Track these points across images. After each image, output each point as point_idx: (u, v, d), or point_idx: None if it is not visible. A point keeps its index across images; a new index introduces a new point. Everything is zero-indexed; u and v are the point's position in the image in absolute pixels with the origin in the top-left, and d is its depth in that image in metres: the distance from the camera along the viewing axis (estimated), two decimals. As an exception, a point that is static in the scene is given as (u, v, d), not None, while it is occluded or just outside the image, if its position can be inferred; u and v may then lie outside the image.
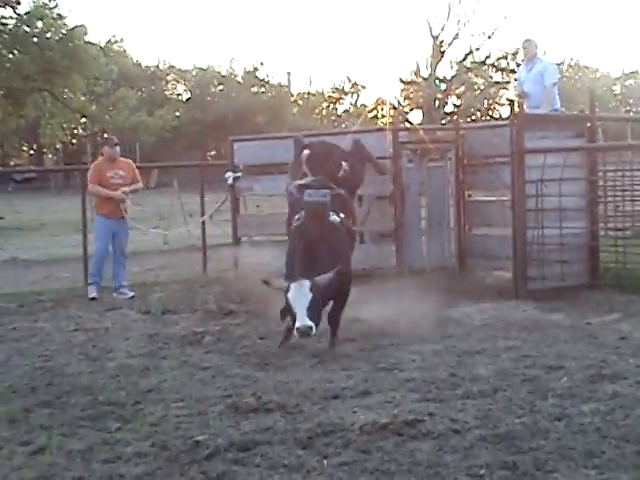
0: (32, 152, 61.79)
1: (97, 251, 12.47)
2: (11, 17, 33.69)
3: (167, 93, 59.93)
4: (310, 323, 7.84)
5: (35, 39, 33.30)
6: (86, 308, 11.29)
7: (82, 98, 39.19)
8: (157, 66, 60.61)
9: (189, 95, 59.57)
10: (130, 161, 13.17)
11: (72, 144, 50.91)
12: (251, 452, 5.39)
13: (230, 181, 12.90)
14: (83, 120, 41.50)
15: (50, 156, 61.25)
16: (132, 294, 12.15)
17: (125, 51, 54.56)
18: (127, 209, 12.48)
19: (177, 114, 53.95)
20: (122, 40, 53.55)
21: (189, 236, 17.02)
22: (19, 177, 49.89)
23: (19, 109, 34.57)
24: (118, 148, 12.83)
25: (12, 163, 62.75)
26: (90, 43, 35.48)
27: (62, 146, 52.24)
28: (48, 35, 33.80)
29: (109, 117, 40.07)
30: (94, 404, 6.68)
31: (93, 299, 11.96)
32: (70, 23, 34.73)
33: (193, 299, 11.51)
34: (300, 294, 8.01)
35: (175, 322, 10.08)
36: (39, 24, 33.81)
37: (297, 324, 7.86)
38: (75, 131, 48.60)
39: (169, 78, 61.51)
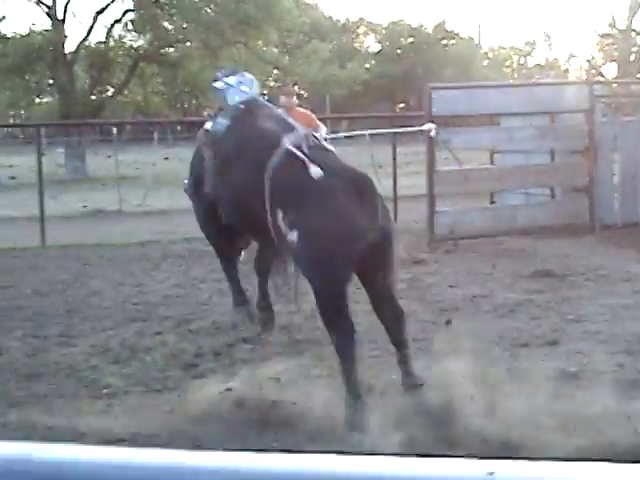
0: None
1: None
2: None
3: (357, 46, 60.17)
4: None
5: (231, -7, 34.04)
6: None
7: (275, 50, 39.90)
8: (347, 19, 60.91)
9: (379, 48, 59.61)
10: (308, 111, 13.41)
11: (264, 95, 51.94)
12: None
13: (433, 133, 12.08)
14: (275, 72, 42.20)
15: (242, 107, 62.77)
16: None
17: (316, 4, 55.11)
18: None
19: (367, 67, 54.18)
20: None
21: (380, 186, 17.20)
22: (213, 127, 51.35)
23: (215, 62, 35.49)
24: (294, 98, 13.11)
25: (205, 113, 64.62)
26: (284, -4, 35.99)
27: (256, 97, 53.40)
28: (243, -12, 34.48)
29: (301, 69, 40.61)
30: (292, 342, 7.04)
31: None
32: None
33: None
34: None
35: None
36: (235, -22, 34.54)
37: None
38: (268, 83, 49.52)
39: (359, 31, 61.70)
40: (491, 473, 0.89)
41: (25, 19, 79.91)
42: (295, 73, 40.85)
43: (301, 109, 13.21)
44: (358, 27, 61.19)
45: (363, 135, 14.08)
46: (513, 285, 9.17)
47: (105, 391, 6.04)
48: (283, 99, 13.17)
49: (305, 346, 6.90)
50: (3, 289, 9.81)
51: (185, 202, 8.34)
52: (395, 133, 14.67)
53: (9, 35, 34.12)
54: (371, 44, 61.58)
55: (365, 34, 61.93)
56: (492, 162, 13.85)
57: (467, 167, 13.66)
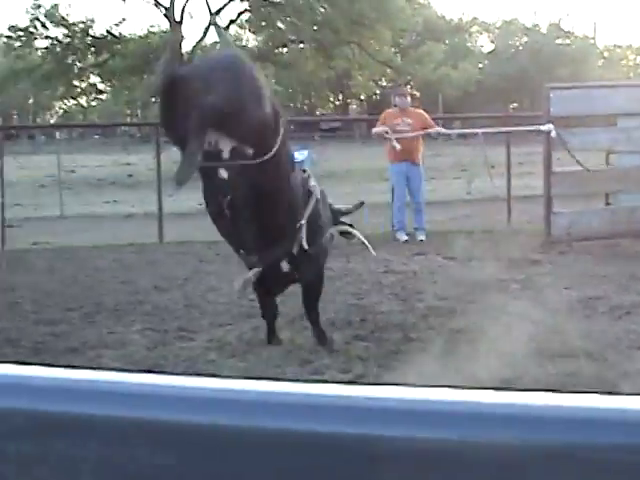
0: (338, 102, 63.76)
1: (395, 197, 13.02)
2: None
3: (469, 45, 59.81)
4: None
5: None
6: (394, 252, 11.75)
7: (388, 50, 39.95)
8: (460, 18, 60.57)
9: (492, 47, 59.12)
10: (421, 111, 13.46)
11: (376, 95, 51.94)
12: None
13: (553, 133, 11.90)
14: (388, 71, 42.25)
15: (354, 106, 63.01)
16: (422, 238, 12.60)
17: (429, 3, 54.96)
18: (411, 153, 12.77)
19: (480, 66, 53.82)
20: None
21: (492, 187, 17.13)
22: (325, 126, 51.74)
23: (329, 61, 35.74)
24: (408, 99, 13.19)
25: (318, 112, 65.12)
26: (398, -5, 36.01)
27: (367, 97, 53.60)
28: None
29: (414, 69, 40.58)
30: (406, 340, 7.10)
31: (405, 242, 12.50)
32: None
33: (497, 248, 11.67)
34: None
35: (480, 269, 10.31)
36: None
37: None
38: (380, 83, 49.55)
39: (472, 30, 61.31)
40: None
41: (144, 21, 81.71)
42: (408, 73, 40.85)
43: (415, 109, 13.29)
44: (471, 27, 60.84)
45: (476, 134, 13.98)
46: (629, 287, 9.04)
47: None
48: (397, 100, 13.30)
49: (419, 344, 6.94)
50: (123, 284, 10.11)
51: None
52: (509, 133, 14.57)
53: (128, 36, 34.99)
54: (484, 44, 61.20)
55: (478, 33, 61.51)
56: (607, 163, 13.65)
57: (586, 168, 13.49)
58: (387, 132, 12.47)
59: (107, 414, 0.77)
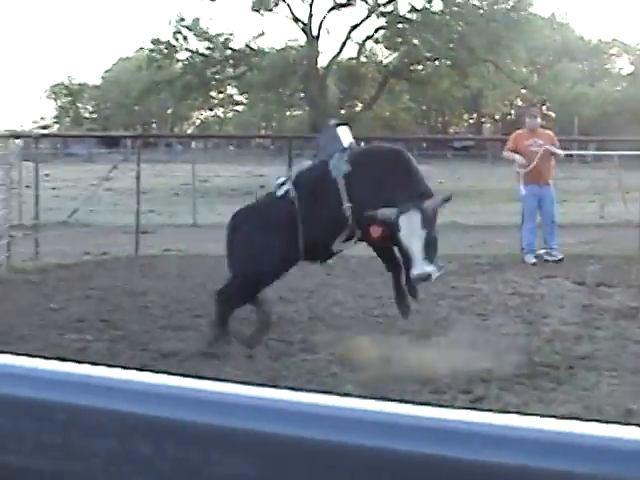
0: (471, 121, 63.39)
1: (526, 219, 12.91)
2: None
3: (608, 67, 58.69)
4: (430, 269, 7.00)
5: (482, 12, 34.08)
6: (521, 274, 11.63)
7: (524, 70, 39.55)
8: (600, 39, 59.49)
9: (632, 69, 57.88)
10: (551, 133, 13.33)
11: (510, 115, 51.52)
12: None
13: None
14: (523, 91, 41.80)
15: (488, 126, 62.53)
16: (561, 256, 12.43)
17: (569, 24, 54.17)
18: (542, 175, 12.60)
19: (617, 88, 52.72)
20: (566, 13, 53.27)
21: (626, 212, 16.79)
22: (458, 144, 51.52)
23: (463, 79, 35.60)
24: (538, 120, 13.08)
25: (451, 130, 64.89)
26: (536, 15, 35.65)
27: (501, 116, 53.15)
28: (495, 7, 34.43)
29: (549, 89, 40.04)
30: (530, 364, 7.03)
31: (534, 264, 12.36)
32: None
33: (628, 274, 11.44)
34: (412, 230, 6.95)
35: (609, 295, 10.12)
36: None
37: (414, 271, 6.95)
38: (514, 102, 49.10)
39: (612, 52, 60.13)
40: None
41: (282, 35, 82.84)
42: (543, 93, 40.32)
43: (544, 130, 13.18)
44: (611, 48, 59.64)
45: (611, 157, 13.74)
46: None
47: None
48: (527, 120, 13.21)
49: (542, 369, 6.87)
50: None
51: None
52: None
53: (266, 50, 35.57)
54: (624, 65, 59.92)
55: (618, 55, 60.28)
56: None
57: None
58: (520, 165, 12.46)
59: (191, 419, 0.81)
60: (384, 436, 0.79)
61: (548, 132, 13.28)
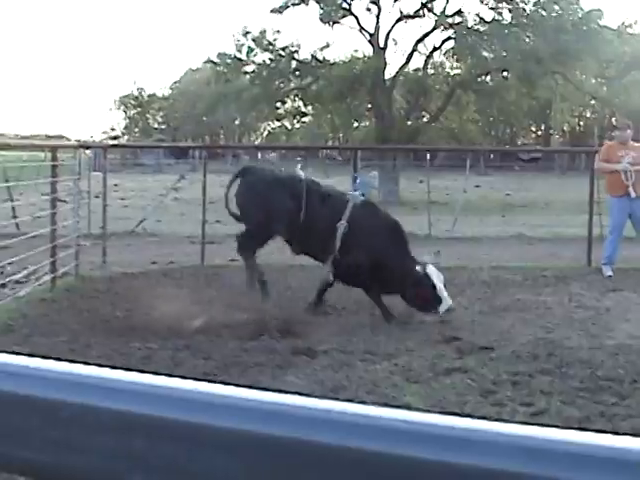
0: (539, 133, 62.87)
1: (612, 231, 12.72)
2: (530, 1, 34.51)
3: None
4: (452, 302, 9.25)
5: (551, 23, 33.76)
6: (587, 287, 11.51)
7: (593, 81, 39.10)
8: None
9: None
10: None
11: (579, 126, 51.00)
12: None
13: None
14: (592, 103, 41.34)
15: (557, 137, 61.95)
16: None
17: (638, 34, 53.38)
18: (633, 186, 12.38)
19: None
20: (636, 23, 52.53)
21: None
22: (526, 156, 51.14)
23: (532, 91, 35.30)
24: (629, 132, 12.90)
25: (519, 142, 64.45)
26: (605, 27, 35.22)
27: (569, 128, 52.62)
28: (564, 18, 34.09)
29: (619, 100, 39.52)
30: (592, 378, 6.95)
31: (609, 277, 12.20)
32: (585, 6, 34.76)
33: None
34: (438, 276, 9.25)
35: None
36: (555, 7, 34.20)
37: (448, 304, 9.11)
38: (583, 114, 48.58)
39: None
40: None
41: (348, 46, 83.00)
42: (613, 104, 39.81)
43: (636, 143, 12.97)
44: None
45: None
46: None
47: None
48: (617, 133, 13.09)
49: (605, 383, 6.79)
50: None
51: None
52: None
53: (332, 61, 35.67)
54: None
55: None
56: None
57: None
58: (622, 173, 12.29)
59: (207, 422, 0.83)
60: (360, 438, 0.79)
61: (639, 145, 13.10)
